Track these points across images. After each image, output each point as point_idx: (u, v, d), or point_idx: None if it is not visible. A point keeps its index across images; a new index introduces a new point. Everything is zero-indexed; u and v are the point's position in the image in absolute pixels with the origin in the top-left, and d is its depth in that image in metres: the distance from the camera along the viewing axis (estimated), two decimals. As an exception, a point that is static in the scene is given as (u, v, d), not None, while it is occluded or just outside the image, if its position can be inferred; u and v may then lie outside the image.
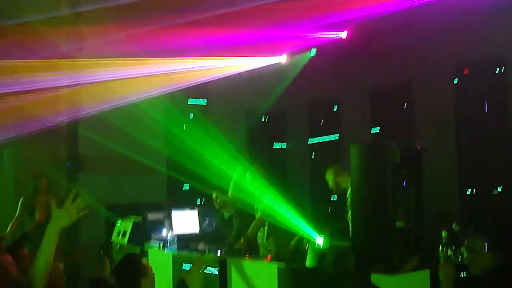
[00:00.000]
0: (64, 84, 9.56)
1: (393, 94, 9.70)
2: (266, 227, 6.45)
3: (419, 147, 4.46)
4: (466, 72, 8.60)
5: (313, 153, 11.43)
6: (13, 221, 8.73)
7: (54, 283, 4.91)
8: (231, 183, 7.33)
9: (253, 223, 6.38)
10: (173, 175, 9.99)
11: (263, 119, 11.78)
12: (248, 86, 10.87)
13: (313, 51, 9.74)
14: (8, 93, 8.81)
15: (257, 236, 6.48)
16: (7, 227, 8.59)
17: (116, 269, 4.25)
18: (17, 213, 8.81)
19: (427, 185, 4.88)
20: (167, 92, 10.04)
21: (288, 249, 5.99)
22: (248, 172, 6.55)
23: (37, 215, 6.89)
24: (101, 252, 7.75)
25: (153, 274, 4.32)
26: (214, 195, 7.54)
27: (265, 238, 6.41)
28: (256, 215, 6.44)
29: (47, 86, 9.10)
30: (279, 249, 5.98)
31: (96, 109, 9.22)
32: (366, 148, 4.44)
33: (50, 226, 3.63)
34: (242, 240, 6.12)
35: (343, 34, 9.06)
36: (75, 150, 9.92)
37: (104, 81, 9.13)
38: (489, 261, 4.34)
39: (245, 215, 6.77)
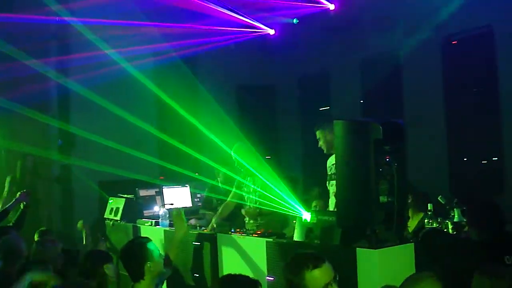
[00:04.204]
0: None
1: (382, 65, 9.71)
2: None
3: (401, 123, 4.48)
4: (454, 43, 8.61)
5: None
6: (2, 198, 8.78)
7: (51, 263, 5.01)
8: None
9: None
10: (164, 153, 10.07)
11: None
12: (238, 59, 10.87)
13: (295, 20, 9.71)
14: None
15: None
16: None
17: (122, 252, 4.38)
18: (5, 190, 8.85)
19: (415, 159, 4.93)
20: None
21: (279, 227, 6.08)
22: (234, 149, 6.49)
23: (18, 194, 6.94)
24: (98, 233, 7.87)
25: (161, 258, 4.44)
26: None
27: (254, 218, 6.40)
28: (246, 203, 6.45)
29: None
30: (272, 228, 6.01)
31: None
32: (349, 124, 4.46)
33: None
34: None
35: (331, 6, 9.02)
36: (66, 128, 9.94)
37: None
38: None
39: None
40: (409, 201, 5.76)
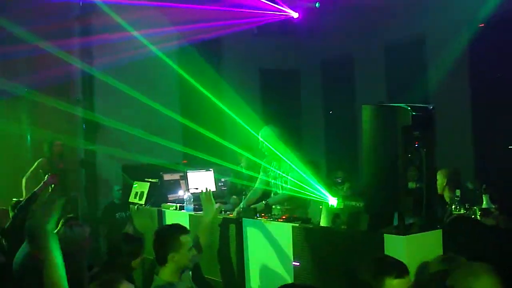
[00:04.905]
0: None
1: (407, 50, 9.59)
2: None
3: (431, 108, 4.42)
4: (481, 25, 8.47)
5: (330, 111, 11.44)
6: (26, 178, 8.75)
7: (81, 245, 5.06)
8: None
9: (279, 196, 6.24)
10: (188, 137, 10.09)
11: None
12: (261, 42, 10.83)
13: (317, 4, 9.65)
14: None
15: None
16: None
17: (156, 233, 4.44)
18: (29, 171, 8.86)
19: (440, 145, 4.86)
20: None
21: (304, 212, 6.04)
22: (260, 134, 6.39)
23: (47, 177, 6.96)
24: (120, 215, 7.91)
25: (191, 253, 4.41)
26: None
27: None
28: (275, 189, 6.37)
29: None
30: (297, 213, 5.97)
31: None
32: (378, 109, 4.40)
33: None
34: (262, 203, 6.12)
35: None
36: (91, 113, 9.98)
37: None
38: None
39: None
40: (444, 185, 5.74)
